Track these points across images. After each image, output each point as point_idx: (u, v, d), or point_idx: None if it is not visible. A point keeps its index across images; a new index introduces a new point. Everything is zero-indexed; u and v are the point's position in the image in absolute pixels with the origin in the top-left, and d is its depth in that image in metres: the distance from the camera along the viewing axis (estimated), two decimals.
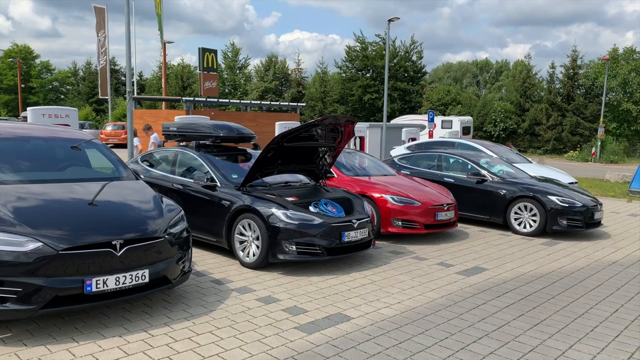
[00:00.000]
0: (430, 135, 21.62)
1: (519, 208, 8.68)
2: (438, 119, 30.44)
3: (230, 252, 6.35)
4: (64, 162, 5.32)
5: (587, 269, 6.62)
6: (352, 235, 6.06)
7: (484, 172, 9.29)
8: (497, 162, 10.04)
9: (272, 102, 29.96)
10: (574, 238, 8.37)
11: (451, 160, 10.00)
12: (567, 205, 8.33)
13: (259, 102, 28.71)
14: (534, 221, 8.49)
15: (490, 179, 9.14)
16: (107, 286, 3.93)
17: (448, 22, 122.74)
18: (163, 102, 29.96)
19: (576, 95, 38.47)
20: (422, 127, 21.56)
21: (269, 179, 6.71)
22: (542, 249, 7.67)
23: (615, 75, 35.79)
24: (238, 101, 28.58)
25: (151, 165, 7.77)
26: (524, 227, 8.61)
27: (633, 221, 10.31)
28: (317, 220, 5.87)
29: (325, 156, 7.14)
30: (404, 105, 43.29)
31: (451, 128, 31.43)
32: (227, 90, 48.65)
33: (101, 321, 4.24)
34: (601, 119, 32.56)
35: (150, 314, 4.47)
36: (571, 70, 38.73)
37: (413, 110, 42.79)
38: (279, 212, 5.81)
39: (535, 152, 37.06)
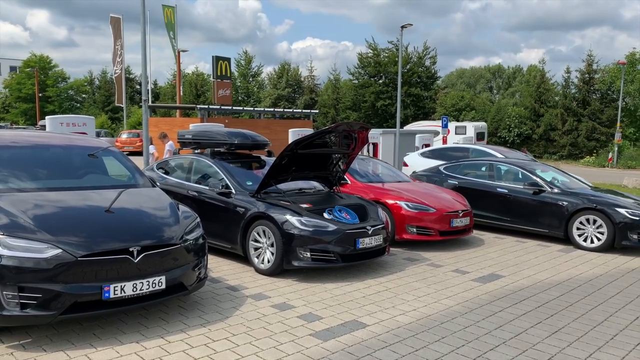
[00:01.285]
0: (444, 141, 21.51)
1: (583, 221, 8.02)
2: (452, 125, 30.26)
3: (245, 259, 6.38)
4: (81, 170, 5.40)
5: (606, 276, 6.52)
6: (366, 242, 6.04)
7: (542, 182, 8.70)
8: (551, 171, 9.48)
9: (285, 110, 30.09)
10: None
11: (503, 170, 9.46)
12: (638, 218, 7.67)
13: (272, 109, 28.84)
14: (600, 236, 7.84)
15: (549, 189, 8.57)
16: (124, 292, 3.97)
17: (461, 27, 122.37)
18: (177, 110, 30.28)
19: (592, 100, 38.02)
20: (436, 133, 21.47)
21: (283, 186, 6.74)
22: (558, 255, 7.58)
23: (632, 80, 35.33)
24: (252, 109, 28.75)
25: (167, 173, 7.85)
26: (588, 242, 7.95)
27: None
28: (332, 227, 5.87)
29: (339, 163, 7.15)
30: (417, 111, 43.17)
31: (465, 134, 31.21)
32: (240, 98, 49.00)
33: (119, 327, 4.28)
34: (618, 124, 32.12)
35: (167, 320, 4.50)
36: (587, 75, 38.32)
37: (426, 116, 42.63)
38: (293, 219, 5.83)
39: (550, 157, 36.67)
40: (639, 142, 36.49)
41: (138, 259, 4.06)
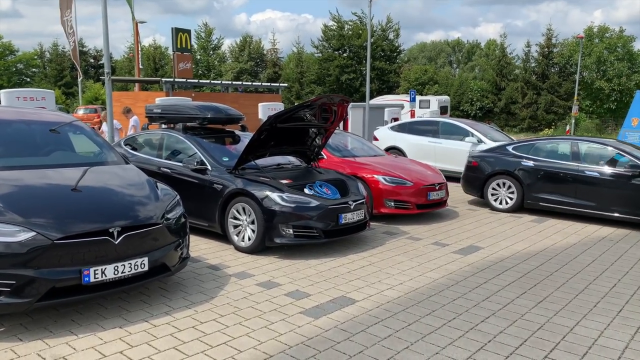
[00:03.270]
0: (412, 115, 21.60)
1: None
2: (416, 99, 30.45)
3: (223, 237, 6.19)
4: (47, 147, 5.04)
5: (579, 244, 6.69)
6: (348, 217, 5.96)
7: None
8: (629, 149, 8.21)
9: (253, 83, 29.42)
10: (561, 215, 8.42)
11: (589, 149, 8.23)
12: None
13: (240, 82, 28.12)
14: None
15: None
16: (105, 276, 3.75)
17: (420, 1, 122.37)
18: (136, 84, 29.10)
19: (551, 73, 38.99)
20: (402, 107, 21.53)
21: (260, 162, 6.54)
22: (532, 226, 7.72)
23: (589, 54, 36.31)
24: (219, 82, 27.92)
25: (134, 149, 7.49)
26: None
27: None
28: (314, 203, 5.75)
29: (317, 137, 6.99)
30: (382, 85, 43.17)
31: (429, 107, 31.50)
32: (200, 72, 47.67)
33: (99, 312, 4.07)
34: (575, 97, 33.07)
35: (150, 303, 4.31)
36: (546, 49, 39.15)
37: (391, 90, 42.72)
38: (274, 195, 5.67)
39: (511, 130, 37.55)
40: (595, 114, 37.78)
41: (119, 240, 3.83)
